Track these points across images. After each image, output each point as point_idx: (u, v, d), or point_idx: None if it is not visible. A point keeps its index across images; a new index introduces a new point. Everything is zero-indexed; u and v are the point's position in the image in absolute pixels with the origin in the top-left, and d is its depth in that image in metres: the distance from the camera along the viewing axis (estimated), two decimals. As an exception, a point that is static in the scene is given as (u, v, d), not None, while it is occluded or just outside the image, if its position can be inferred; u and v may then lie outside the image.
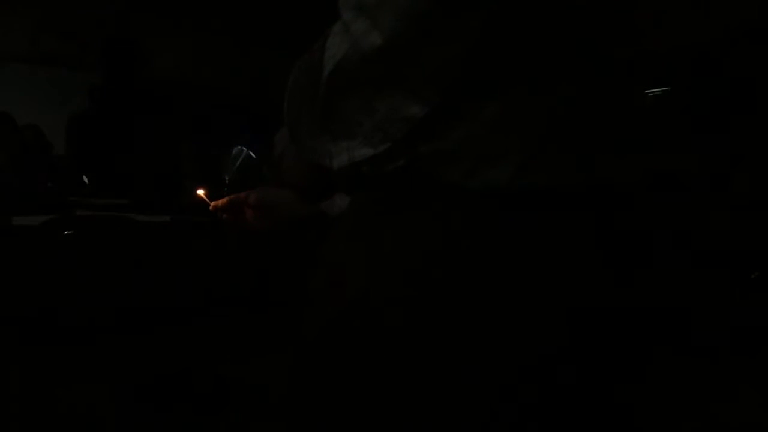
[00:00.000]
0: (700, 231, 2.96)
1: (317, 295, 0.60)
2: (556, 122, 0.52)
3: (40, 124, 3.46)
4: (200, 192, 0.98)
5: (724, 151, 3.42)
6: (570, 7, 0.51)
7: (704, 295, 2.70)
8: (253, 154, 0.93)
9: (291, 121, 0.63)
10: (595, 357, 0.56)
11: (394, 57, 0.48)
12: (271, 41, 4.20)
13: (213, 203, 0.96)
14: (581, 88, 0.53)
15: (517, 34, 0.49)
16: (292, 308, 0.62)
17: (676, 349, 2.32)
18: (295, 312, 0.61)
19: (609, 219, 0.56)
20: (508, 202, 0.51)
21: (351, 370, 0.54)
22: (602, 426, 0.57)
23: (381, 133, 0.52)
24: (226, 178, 1.03)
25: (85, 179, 2.93)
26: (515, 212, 0.51)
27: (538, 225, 0.52)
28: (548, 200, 0.52)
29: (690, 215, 2.98)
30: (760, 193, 3.08)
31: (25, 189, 2.37)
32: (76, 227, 1.88)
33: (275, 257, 2.04)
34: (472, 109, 0.50)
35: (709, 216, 3.02)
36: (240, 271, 2.06)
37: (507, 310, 0.51)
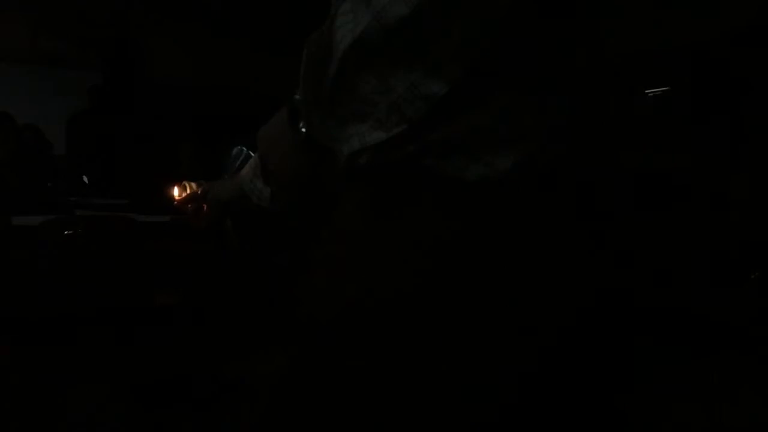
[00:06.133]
0: (699, 231, 2.96)
1: (316, 295, 0.59)
2: (562, 114, 0.52)
3: (40, 124, 3.46)
4: (174, 191, 0.98)
5: (724, 151, 3.42)
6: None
7: (704, 294, 2.70)
8: (252, 154, 0.93)
9: (305, 103, 0.62)
10: (598, 353, 0.56)
11: (419, 28, 0.47)
12: (271, 42, 4.20)
13: (177, 200, 0.98)
14: (587, 85, 0.54)
15: (542, 9, 0.49)
16: (291, 308, 0.62)
17: (676, 349, 2.32)
18: (294, 311, 0.61)
19: (609, 215, 0.56)
20: (506, 193, 0.51)
21: (353, 369, 0.54)
22: (602, 425, 0.57)
23: (397, 115, 0.51)
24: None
25: (85, 179, 2.93)
26: (513, 204, 0.51)
27: (537, 219, 0.52)
28: (547, 193, 0.52)
29: (689, 215, 2.98)
30: (760, 193, 3.07)
31: (25, 189, 2.37)
32: (76, 227, 1.88)
33: (275, 257, 2.04)
34: (487, 94, 0.50)
35: (709, 216, 3.02)
36: (240, 272, 2.06)
37: (509, 304, 0.51)
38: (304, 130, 0.72)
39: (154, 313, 1.88)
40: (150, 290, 1.89)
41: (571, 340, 0.54)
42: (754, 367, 2.28)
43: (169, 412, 1.71)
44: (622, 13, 0.57)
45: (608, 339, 0.58)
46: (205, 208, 0.96)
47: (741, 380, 2.17)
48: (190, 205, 0.98)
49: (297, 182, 0.76)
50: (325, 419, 0.55)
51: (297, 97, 0.72)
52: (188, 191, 0.97)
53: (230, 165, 0.99)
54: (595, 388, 0.57)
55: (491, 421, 0.52)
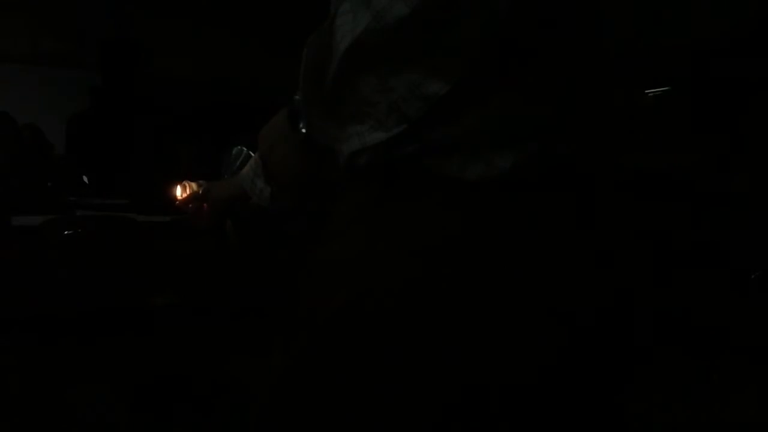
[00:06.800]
0: (699, 231, 2.97)
1: (315, 295, 0.59)
2: (562, 113, 0.52)
3: (40, 124, 3.47)
4: (175, 191, 0.99)
5: (724, 151, 3.42)
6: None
7: (704, 295, 2.70)
8: (252, 154, 0.93)
9: (305, 103, 0.62)
10: (598, 355, 0.56)
11: (419, 27, 0.48)
12: (271, 41, 4.20)
13: (178, 200, 0.98)
14: (587, 85, 0.54)
15: (542, 8, 0.49)
16: (290, 308, 0.62)
17: (676, 349, 2.32)
18: (293, 311, 0.61)
19: (610, 216, 0.56)
20: (506, 193, 0.51)
21: (352, 370, 0.54)
22: (600, 425, 0.57)
23: (396, 114, 0.51)
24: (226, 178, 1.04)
25: (85, 179, 2.94)
26: (513, 204, 0.51)
27: (537, 219, 0.52)
28: (548, 193, 0.52)
29: (690, 215, 2.98)
30: (760, 193, 3.08)
31: (25, 189, 2.37)
32: (76, 227, 1.88)
33: (275, 257, 2.04)
34: (487, 94, 0.50)
35: (709, 216, 3.02)
36: (240, 273, 2.06)
37: (509, 306, 0.51)
38: (304, 130, 0.72)
39: (154, 313, 1.88)
40: (150, 290, 1.89)
41: (572, 342, 0.54)
42: (754, 367, 2.28)
43: (169, 412, 1.71)
44: (621, 12, 0.58)
45: (608, 340, 0.58)
46: (205, 207, 0.97)
47: (741, 381, 2.17)
48: (190, 205, 0.98)
49: (297, 182, 0.76)
50: (324, 419, 0.55)
51: (297, 97, 0.73)
52: (189, 191, 0.98)
53: (230, 165, 0.99)
54: (596, 393, 0.57)
55: (490, 422, 0.52)
